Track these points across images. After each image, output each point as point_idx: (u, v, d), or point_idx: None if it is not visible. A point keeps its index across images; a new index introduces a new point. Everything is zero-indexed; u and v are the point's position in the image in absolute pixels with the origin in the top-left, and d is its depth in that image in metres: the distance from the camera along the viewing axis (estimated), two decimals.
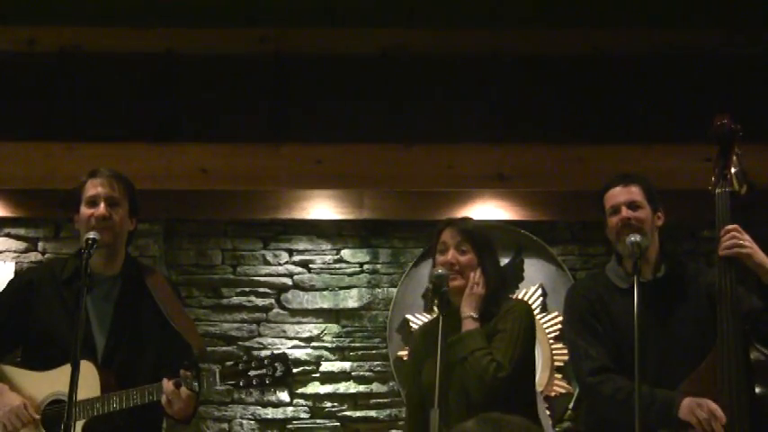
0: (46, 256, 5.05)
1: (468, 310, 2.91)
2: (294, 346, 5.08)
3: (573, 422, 4.91)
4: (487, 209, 4.87)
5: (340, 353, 5.09)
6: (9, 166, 4.60)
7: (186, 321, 3.04)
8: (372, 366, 5.06)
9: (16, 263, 5.06)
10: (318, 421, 5.03)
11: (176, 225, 5.16)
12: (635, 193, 3.05)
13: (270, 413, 5.04)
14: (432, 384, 2.75)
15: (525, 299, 5.05)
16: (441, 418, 2.63)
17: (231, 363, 2.83)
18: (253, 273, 5.18)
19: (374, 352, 5.07)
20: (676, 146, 4.46)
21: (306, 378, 5.06)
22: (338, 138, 4.67)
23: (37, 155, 4.60)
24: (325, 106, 4.81)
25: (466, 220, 3.14)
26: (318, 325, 5.13)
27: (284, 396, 5.05)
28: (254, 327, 5.13)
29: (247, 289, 5.16)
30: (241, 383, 2.78)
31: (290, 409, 5.04)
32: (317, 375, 5.07)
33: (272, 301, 5.15)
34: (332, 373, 5.07)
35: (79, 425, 2.76)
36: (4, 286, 3.16)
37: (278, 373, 2.77)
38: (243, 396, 5.03)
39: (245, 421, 5.03)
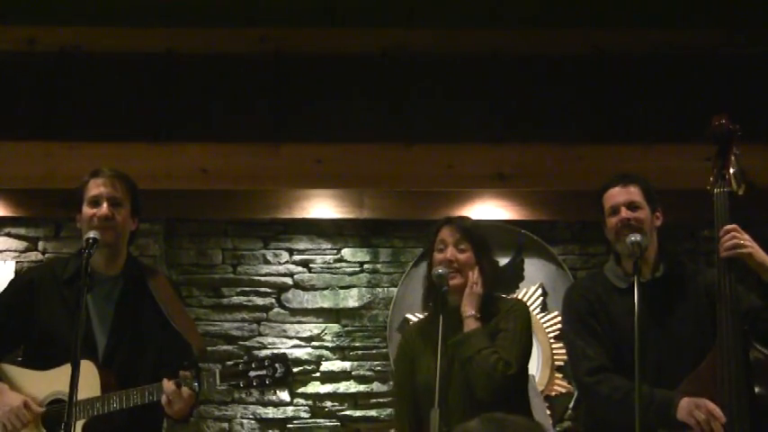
0: (46, 255, 5.06)
1: (470, 310, 2.91)
2: (294, 346, 5.08)
3: (573, 422, 4.91)
4: (487, 209, 4.87)
5: (340, 352, 5.10)
6: (9, 166, 4.60)
7: (187, 321, 3.03)
8: (373, 366, 5.06)
9: (16, 262, 5.06)
10: (319, 421, 5.03)
11: (176, 225, 5.17)
12: (634, 193, 3.05)
13: (270, 413, 5.04)
14: (430, 384, 2.77)
15: (526, 298, 5.06)
16: (440, 417, 2.63)
17: (231, 363, 2.83)
18: (253, 272, 5.18)
19: (374, 351, 5.07)
20: (676, 146, 4.46)
21: (306, 378, 5.06)
22: (338, 138, 4.68)
23: (37, 154, 4.60)
24: (325, 106, 4.81)
25: (463, 218, 3.14)
26: (319, 324, 5.13)
27: (285, 396, 5.05)
28: (254, 326, 5.13)
29: (248, 288, 5.16)
30: (241, 384, 2.78)
31: (291, 408, 5.05)
32: (318, 375, 5.07)
33: (273, 300, 5.16)
34: (332, 372, 5.07)
35: (79, 424, 2.76)
36: (5, 286, 3.16)
37: (278, 374, 2.77)
38: (243, 396, 5.03)
39: (245, 421, 5.04)
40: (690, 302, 3.01)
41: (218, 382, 2.78)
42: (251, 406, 5.05)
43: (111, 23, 4.83)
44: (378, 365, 5.05)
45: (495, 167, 4.59)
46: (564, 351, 4.75)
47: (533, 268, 5.14)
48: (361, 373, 5.06)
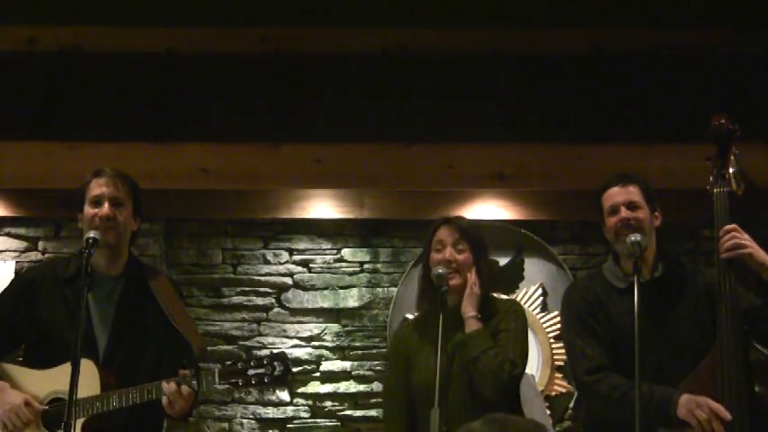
0: (46, 255, 5.06)
1: (471, 310, 2.92)
2: (294, 346, 5.08)
3: (573, 422, 4.91)
4: (487, 208, 4.87)
5: (340, 352, 5.10)
6: (9, 166, 4.60)
7: (187, 321, 3.04)
8: (373, 366, 5.06)
9: (16, 262, 5.06)
10: (319, 421, 5.03)
11: (176, 225, 5.17)
12: (633, 193, 3.05)
13: (270, 412, 5.04)
14: (428, 383, 2.77)
15: (526, 298, 5.06)
16: (440, 417, 2.63)
17: (230, 362, 2.83)
18: (253, 272, 5.18)
19: (374, 351, 5.07)
20: (676, 146, 4.46)
21: (306, 377, 5.06)
22: (338, 137, 4.68)
23: (37, 154, 4.61)
24: (325, 106, 4.82)
25: (461, 218, 3.14)
26: (319, 324, 5.13)
27: (284, 395, 5.05)
28: (254, 326, 5.13)
29: (248, 288, 5.16)
30: (240, 382, 2.79)
31: (291, 408, 5.05)
32: (318, 375, 5.07)
33: (273, 300, 5.16)
34: (332, 372, 5.07)
35: (78, 423, 2.76)
36: (6, 285, 3.17)
37: (277, 372, 2.77)
38: (243, 395, 5.03)
39: (245, 421, 5.04)
40: (689, 302, 3.01)
41: (217, 380, 2.79)
42: (251, 406, 5.05)
43: (111, 23, 4.83)
44: (378, 365, 5.05)
45: (495, 167, 4.59)
46: (564, 351, 4.75)
47: (533, 268, 5.14)
48: (361, 372, 5.06)
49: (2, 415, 2.86)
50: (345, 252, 5.20)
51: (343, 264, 5.19)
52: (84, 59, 4.85)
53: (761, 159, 4.13)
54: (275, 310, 5.15)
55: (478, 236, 3.06)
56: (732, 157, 2.94)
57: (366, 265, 5.18)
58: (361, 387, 5.04)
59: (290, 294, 5.16)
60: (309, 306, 5.15)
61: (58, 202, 4.58)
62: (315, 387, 5.06)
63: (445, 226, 3.03)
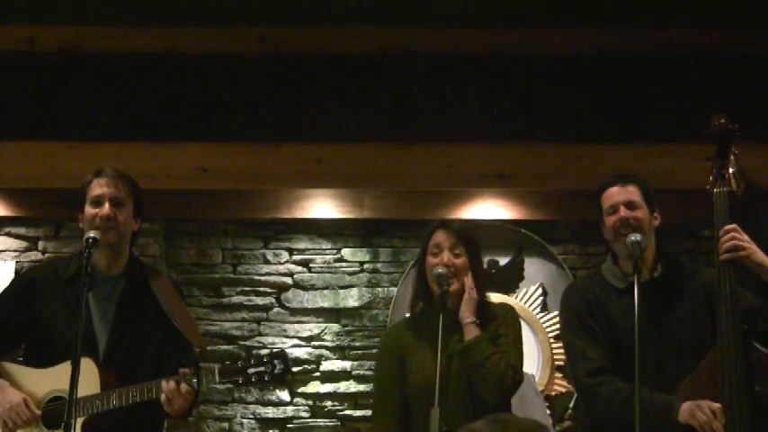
0: (46, 255, 5.06)
1: (469, 315, 2.93)
2: (294, 345, 5.08)
3: (573, 422, 4.92)
4: (487, 208, 4.87)
5: (340, 352, 5.10)
6: (9, 166, 4.60)
7: (187, 320, 3.04)
8: (373, 365, 5.05)
9: (16, 262, 5.07)
10: (319, 420, 5.03)
11: (176, 224, 5.17)
12: (633, 192, 3.05)
13: (270, 412, 5.04)
14: (426, 383, 2.78)
15: (526, 298, 5.07)
16: (440, 417, 2.64)
17: (230, 361, 2.83)
18: (253, 272, 5.18)
19: (374, 351, 5.06)
20: (676, 146, 4.46)
21: (306, 377, 5.06)
22: (338, 137, 4.68)
23: (37, 154, 4.61)
24: (325, 106, 4.81)
25: (457, 221, 3.15)
26: (319, 324, 5.13)
27: (285, 395, 5.05)
28: (254, 326, 5.13)
29: (248, 288, 5.16)
30: (240, 381, 2.79)
31: (291, 408, 5.05)
32: (318, 374, 5.07)
33: (273, 300, 5.16)
34: (332, 372, 5.07)
35: (79, 422, 2.77)
36: (6, 285, 3.17)
37: (277, 370, 2.77)
38: (243, 395, 5.04)
39: (245, 420, 5.04)
40: (688, 302, 3.01)
41: (217, 379, 2.79)
42: (251, 406, 5.05)
43: (111, 23, 4.82)
44: None
45: (495, 167, 4.60)
46: (563, 351, 4.76)
47: (533, 268, 5.14)
48: (361, 372, 5.06)
49: (2, 413, 2.86)
50: (345, 252, 5.20)
51: (343, 264, 5.19)
52: (84, 59, 4.84)
53: (761, 159, 4.13)
54: (275, 309, 5.15)
55: (474, 239, 3.06)
56: (732, 157, 2.94)
57: (366, 265, 5.18)
58: (361, 387, 5.04)
59: (290, 294, 5.16)
60: (309, 306, 5.15)
61: (58, 202, 4.58)
62: (315, 387, 5.06)
63: (442, 229, 3.04)
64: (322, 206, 4.92)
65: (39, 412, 2.89)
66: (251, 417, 5.04)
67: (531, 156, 4.61)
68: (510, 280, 5.13)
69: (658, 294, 2.97)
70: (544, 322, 5.02)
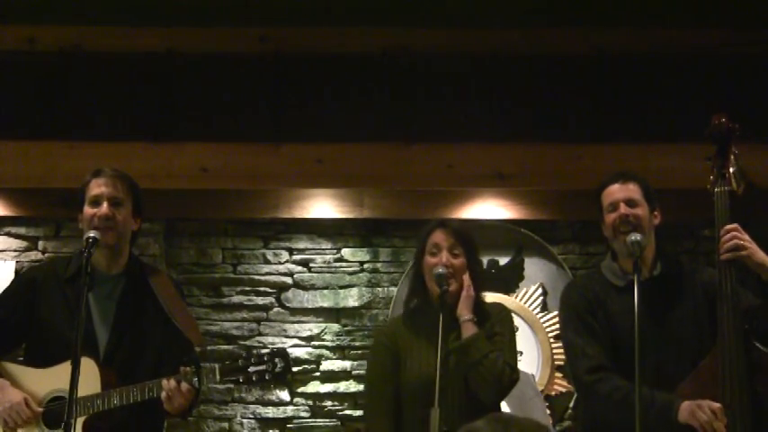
0: (46, 254, 5.06)
1: (467, 314, 2.93)
2: (294, 345, 5.08)
3: (573, 422, 4.91)
4: (487, 208, 4.88)
5: (340, 352, 5.10)
6: (9, 166, 4.61)
7: (188, 320, 3.04)
8: None
9: (16, 262, 5.07)
10: (319, 420, 5.03)
11: (176, 224, 5.17)
12: (633, 190, 3.05)
13: (270, 412, 5.04)
14: (423, 382, 2.80)
15: (525, 298, 5.07)
16: (440, 417, 2.64)
17: (231, 360, 2.83)
18: (253, 272, 5.18)
19: None
20: (676, 146, 4.46)
21: (306, 377, 5.06)
22: (338, 137, 4.68)
23: (37, 154, 4.61)
24: (325, 106, 4.81)
25: (455, 221, 3.15)
26: (319, 324, 5.13)
27: (284, 395, 5.05)
28: (254, 326, 5.13)
29: (248, 288, 5.17)
30: (241, 379, 2.79)
31: (291, 408, 5.05)
32: (318, 374, 5.07)
33: (273, 299, 5.16)
34: (332, 372, 5.07)
35: (79, 422, 2.77)
36: (7, 284, 3.17)
37: (277, 369, 2.78)
38: (243, 395, 5.04)
39: (245, 420, 5.04)
40: (688, 301, 3.01)
41: (218, 377, 2.79)
42: (251, 405, 5.05)
43: (111, 23, 4.82)
44: None
45: (495, 167, 4.60)
46: (563, 350, 4.76)
47: (533, 268, 5.15)
48: (361, 372, 5.04)
49: (2, 413, 2.86)
50: (345, 252, 5.20)
51: (343, 263, 5.19)
52: (84, 59, 4.84)
53: (761, 159, 4.13)
54: (275, 309, 5.15)
55: (472, 239, 3.07)
56: (732, 157, 2.94)
57: (366, 265, 5.19)
58: (361, 387, 5.03)
59: (289, 294, 5.16)
60: (309, 306, 5.15)
61: (58, 201, 4.58)
62: (315, 387, 5.06)
63: (441, 229, 3.04)
64: (322, 206, 4.93)
65: (40, 410, 2.89)
66: (251, 416, 5.04)
67: (531, 156, 4.61)
68: (510, 280, 5.13)
69: (658, 293, 2.98)
70: (544, 322, 5.02)
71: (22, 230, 5.13)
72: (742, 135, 2.96)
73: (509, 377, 2.87)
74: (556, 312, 4.88)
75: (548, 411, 4.61)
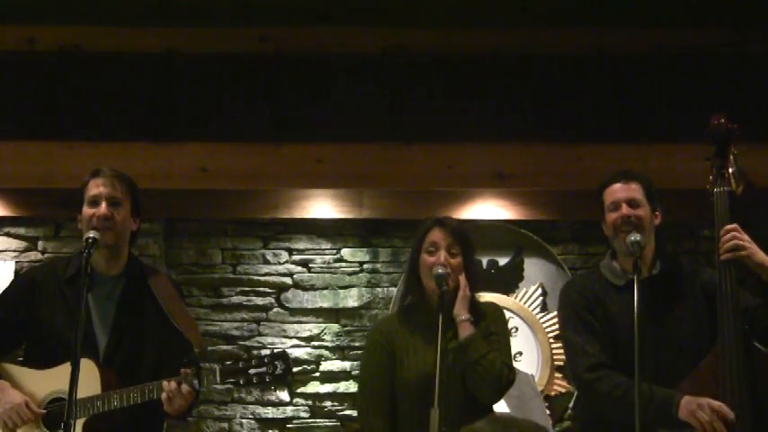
0: (46, 255, 5.06)
1: (464, 313, 2.93)
2: (294, 346, 5.08)
3: (573, 422, 4.91)
4: (487, 208, 4.88)
5: (340, 352, 5.10)
6: (9, 166, 4.61)
7: (187, 320, 3.04)
8: None
9: (16, 262, 5.07)
10: (318, 421, 5.03)
11: (176, 224, 5.17)
12: (635, 190, 3.05)
13: (270, 412, 5.04)
14: (420, 381, 2.81)
15: (525, 298, 5.07)
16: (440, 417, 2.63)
17: (231, 361, 2.83)
18: (253, 272, 5.18)
19: None
20: (676, 146, 4.46)
21: (306, 377, 5.06)
22: (338, 137, 4.68)
23: (37, 154, 4.61)
24: (325, 106, 4.81)
25: (452, 219, 3.13)
26: (318, 324, 5.13)
27: (284, 395, 5.05)
28: (254, 326, 5.13)
29: (247, 288, 5.16)
30: (241, 381, 2.79)
31: (290, 408, 5.05)
32: (317, 375, 5.07)
33: (272, 300, 5.16)
34: (332, 372, 5.07)
35: (79, 423, 2.76)
36: (7, 285, 3.17)
37: (278, 371, 2.77)
38: (243, 395, 5.04)
39: (245, 420, 5.04)
40: (687, 301, 3.01)
41: (218, 379, 2.79)
42: (250, 406, 5.05)
43: (111, 23, 4.83)
44: None
45: (495, 167, 4.60)
46: (563, 349, 4.76)
47: (533, 268, 5.14)
48: None
49: (2, 414, 2.86)
50: (345, 252, 5.20)
51: (343, 264, 5.19)
52: (84, 59, 4.84)
53: (761, 159, 4.13)
54: (275, 310, 5.15)
55: (469, 238, 3.06)
56: (731, 157, 2.94)
57: (366, 265, 5.18)
58: None
59: (289, 294, 5.16)
60: (309, 306, 5.15)
61: (58, 202, 4.58)
62: (314, 387, 5.06)
63: (439, 228, 3.02)
64: (322, 206, 4.93)
65: (41, 411, 2.88)
66: (251, 417, 5.04)
67: (531, 156, 4.61)
68: (510, 280, 5.13)
69: (657, 292, 2.97)
70: (544, 322, 5.02)
71: (21, 231, 5.13)
72: (741, 135, 2.96)
73: (507, 377, 2.86)
74: (555, 312, 4.88)
75: (547, 411, 4.61)
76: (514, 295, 5.08)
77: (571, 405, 4.93)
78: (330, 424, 5.01)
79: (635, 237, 2.91)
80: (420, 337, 2.95)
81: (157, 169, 4.54)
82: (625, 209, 3.01)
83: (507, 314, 4.87)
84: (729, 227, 2.85)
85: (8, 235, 5.11)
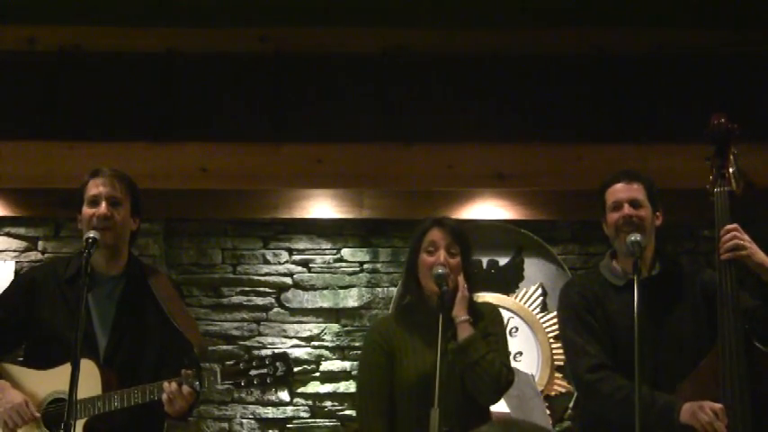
0: (46, 255, 5.06)
1: (463, 314, 2.92)
2: (294, 346, 5.08)
3: (573, 422, 4.91)
4: (487, 208, 4.88)
5: (340, 352, 5.10)
6: (9, 166, 4.60)
7: (188, 321, 3.04)
8: None
9: (16, 262, 5.07)
10: (319, 421, 5.03)
11: (176, 224, 5.17)
12: (637, 190, 3.04)
13: (270, 412, 5.04)
14: (420, 382, 2.82)
15: (525, 298, 5.07)
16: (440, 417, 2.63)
17: (232, 362, 2.83)
18: (253, 272, 5.18)
19: None
20: (676, 146, 4.46)
21: (306, 377, 5.06)
22: (338, 137, 4.68)
23: (37, 154, 4.61)
24: (325, 106, 4.81)
25: (451, 219, 3.13)
26: (318, 324, 5.13)
27: (284, 395, 5.05)
28: (254, 326, 5.13)
29: (247, 288, 5.16)
30: (242, 383, 2.78)
31: (291, 408, 5.05)
32: (318, 375, 5.07)
33: (273, 300, 5.16)
34: (332, 372, 5.07)
35: (80, 423, 2.76)
36: (7, 285, 3.17)
37: (279, 373, 2.77)
38: (243, 395, 5.03)
39: (245, 421, 5.04)
40: (687, 301, 3.01)
41: (219, 380, 2.78)
42: (251, 406, 5.05)
43: (111, 23, 4.82)
44: None
45: (495, 167, 4.60)
46: (562, 349, 4.76)
47: (533, 268, 5.14)
48: None
49: (2, 414, 2.86)
50: (345, 252, 5.20)
51: (343, 264, 5.19)
52: (84, 59, 4.84)
53: (761, 159, 4.13)
54: (275, 309, 5.15)
55: (467, 238, 3.06)
56: (731, 157, 2.94)
57: (366, 265, 5.18)
58: None
59: (289, 294, 5.16)
60: (309, 306, 5.15)
61: (58, 202, 4.58)
62: (315, 387, 5.06)
63: (438, 228, 3.02)
64: (322, 206, 4.93)
65: (39, 414, 2.88)
66: (251, 417, 5.04)
67: (530, 156, 4.61)
68: (510, 280, 5.13)
69: (656, 293, 2.97)
70: (544, 322, 5.02)
71: (21, 231, 5.13)
72: (741, 135, 2.96)
73: (506, 377, 2.87)
74: (555, 313, 4.88)
75: (547, 411, 4.61)
76: (514, 295, 5.08)
77: (571, 405, 4.93)
78: (330, 424, 5.02)
79: (635, 237, 2.91)
80: (419, 338, 2.95)
81: (157, 169, 4.54)
82: (627, 209, 3.01)
83: (507, 314, 4.90)
84: (730, 226, 2.85)
85: (8, 235, 5.12)
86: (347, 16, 4.79)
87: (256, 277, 5.17)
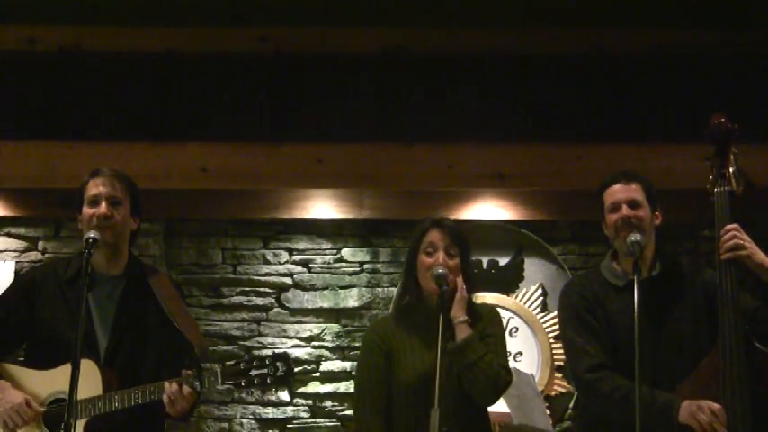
0: (46, 255, 5.07)
1: (462, 315, 2.92)
2: (294, 346, 5.08)
3: (573, 422, 4.91)
4: (487, 208, 4.88)
5: (340, 352, 5.10)
6: (9, 166, 4.61)
7: (188, 321, 3.03)
8: None
9: (16, 262, 5.07)
10: (319, 421, 5.03)
11: (176, 224, 5.17)
12: (636, 191, 3.04)
13: (270, 412, 5.04)
14: (418, 382, 2.81)
15: (526, 298, 5.07)
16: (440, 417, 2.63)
17: (232, 362, 2.82)
18: (253, 272, 5.18)
19: None
20: (676, 146, 4.46)
21: (306, 377, 5.06)
22: (338, 137, 4.68)
23: (37, 154, 4.61)
24: (325, 106, 4.82)
25: (450, 220, 3.12)
26: (318, 324, 5.13)
27: (284, 395, 5.05)
28: (254, 326, 5.13)
29: (247, 288, 5.17)
30: (242, 383, 2.78)
31: (291, 408, 5.05)
32: (318, 375, 5.07)
33: (273, 300, 5.16)
34: (332, 372, 5.07)
35: (80, 424, 2.76)
36: (7, 285, 3.17)
37: (279, 373, 2.76)
38: (243, 395, 5.04)
39: (245, 421, 5.04)
40: (687, 301, 3.01)
41: (219, 380, 2.78)
42: (251, 406, 5.05)
43: (111, 23, 4.83)
44: None
45: (495, 167, 4.60)
46: (563, 349, 4.76)
47: (533, 268, 5.15)
48: None
49: (2, 413, 2.86)
50: (345, 252, 5.20)
51: (343, 264, 5.19)
52: (84, 59, 4.85)
53: (761, 159, 4.13)
54: (275, 310, 5.15)
55: (466, 239, 3.06)
56: (731, 157, 2.94)
57: (366, 265, 5.19)
58: None
59: (289, 294, 5.16)
60: (309, 306, 5.15)
61: (58, 202, 4.58)
62: (315, 387, 5.06)
63: (437, 229, 3.01)
64: (322, 206, 4.93)
65: (41, 410, 2.88)
66: (251, 417, 5.04)
67: (530, 156, 4.61)
68: (510, 280, 5.13)
69: (657, 293, 2.97)
70: (544, 322, 5.02)
71: (21, 231, 5.13)
72: (741, 135, 2.96)
73: (504, 378, 2.86)
74: (555, 313, 4.88)
75: (548, 412, 4.61)
76: (515, 295, 5.08)
77: (571, 405, 4.93)
78: (330, 424, 5.02)
79: (635, 237, 2.91)
80: (417, 338, 2.95)
81: (157, 169, 4.54)
82: (625, 210, 3.01)
83: (507, 314, 4.90)
84: (730, 226, 2.84)
85: (8, 235, 5.12)
86: (347, 16, 4.80)
87: (256, 277, 5.18)
